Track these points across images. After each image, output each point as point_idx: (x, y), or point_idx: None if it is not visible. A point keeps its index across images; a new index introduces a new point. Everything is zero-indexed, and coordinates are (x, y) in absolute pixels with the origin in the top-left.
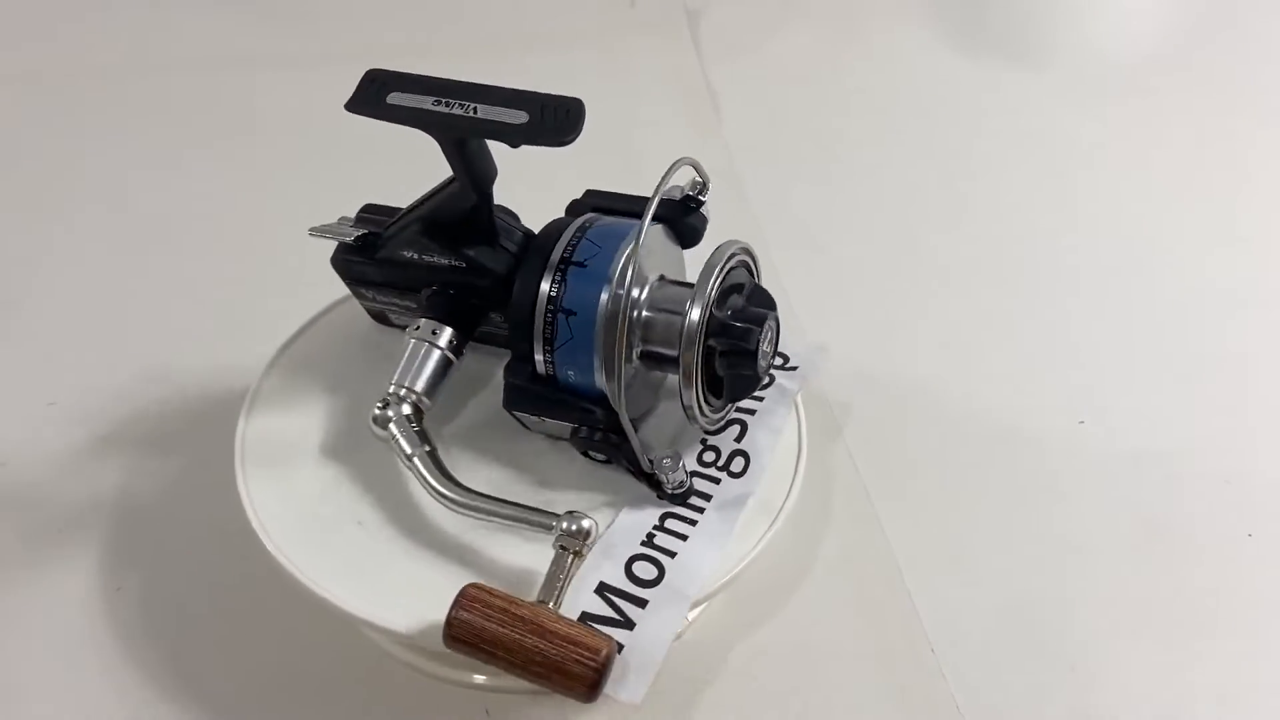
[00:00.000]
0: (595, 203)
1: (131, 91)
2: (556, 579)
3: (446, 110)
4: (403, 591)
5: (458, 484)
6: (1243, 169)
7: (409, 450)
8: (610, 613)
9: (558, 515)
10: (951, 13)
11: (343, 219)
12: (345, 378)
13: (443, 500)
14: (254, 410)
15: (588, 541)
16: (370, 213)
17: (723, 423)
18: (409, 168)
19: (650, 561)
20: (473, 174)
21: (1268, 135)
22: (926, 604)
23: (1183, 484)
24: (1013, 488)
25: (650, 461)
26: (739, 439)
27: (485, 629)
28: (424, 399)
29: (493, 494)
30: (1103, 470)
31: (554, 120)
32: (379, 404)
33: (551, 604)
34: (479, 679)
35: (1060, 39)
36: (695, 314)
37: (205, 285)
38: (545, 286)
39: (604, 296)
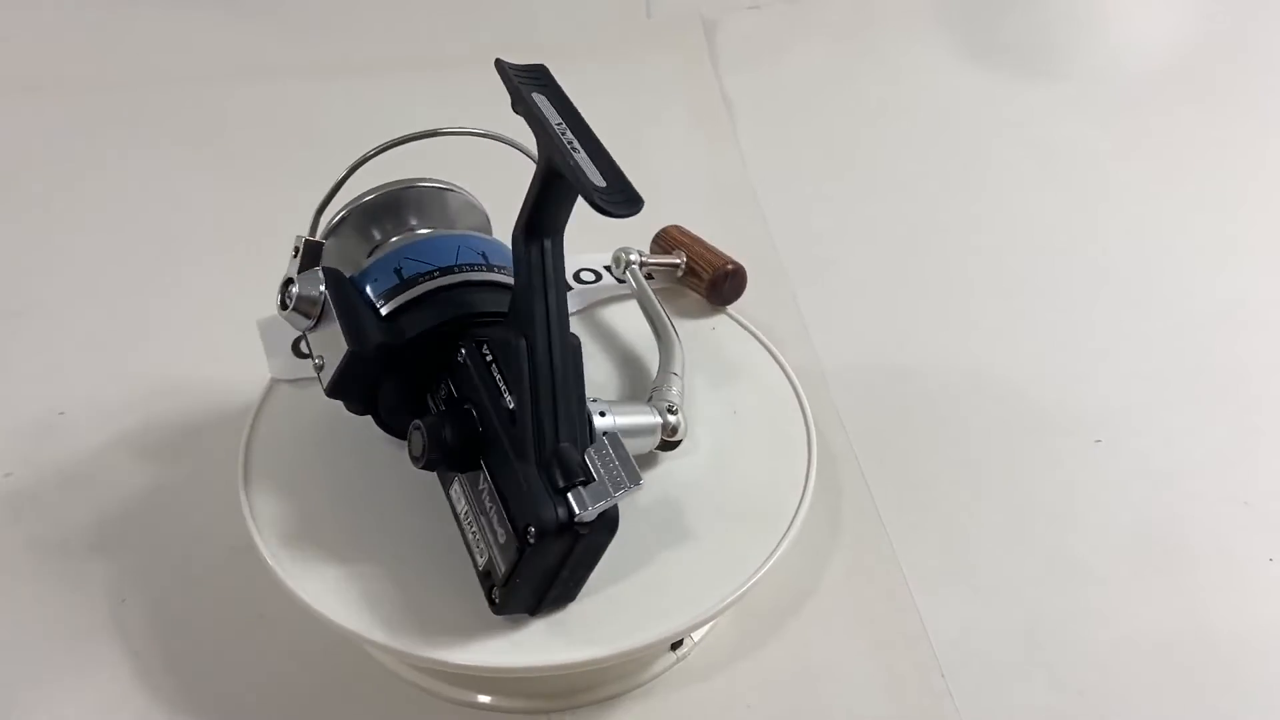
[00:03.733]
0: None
1: (143, 102)
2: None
3: (560, 139)
4: (408, 609)
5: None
6: (1262, 182)
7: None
8: None
9: None
10: (966, 25)
11: None
12: None
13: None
14: (258, 424)
15: None
16: None
17: None
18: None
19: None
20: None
21: None
22: (936, 625)
23: (1201, 505)
24: (1026, 506)
25: None
26: None
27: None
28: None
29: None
30: (1119, 490)
31: (620, 194)
32: None
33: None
34: (484, 699)
35: (1076, 51)
36: None
37: (215, 296)
38: None
39: None
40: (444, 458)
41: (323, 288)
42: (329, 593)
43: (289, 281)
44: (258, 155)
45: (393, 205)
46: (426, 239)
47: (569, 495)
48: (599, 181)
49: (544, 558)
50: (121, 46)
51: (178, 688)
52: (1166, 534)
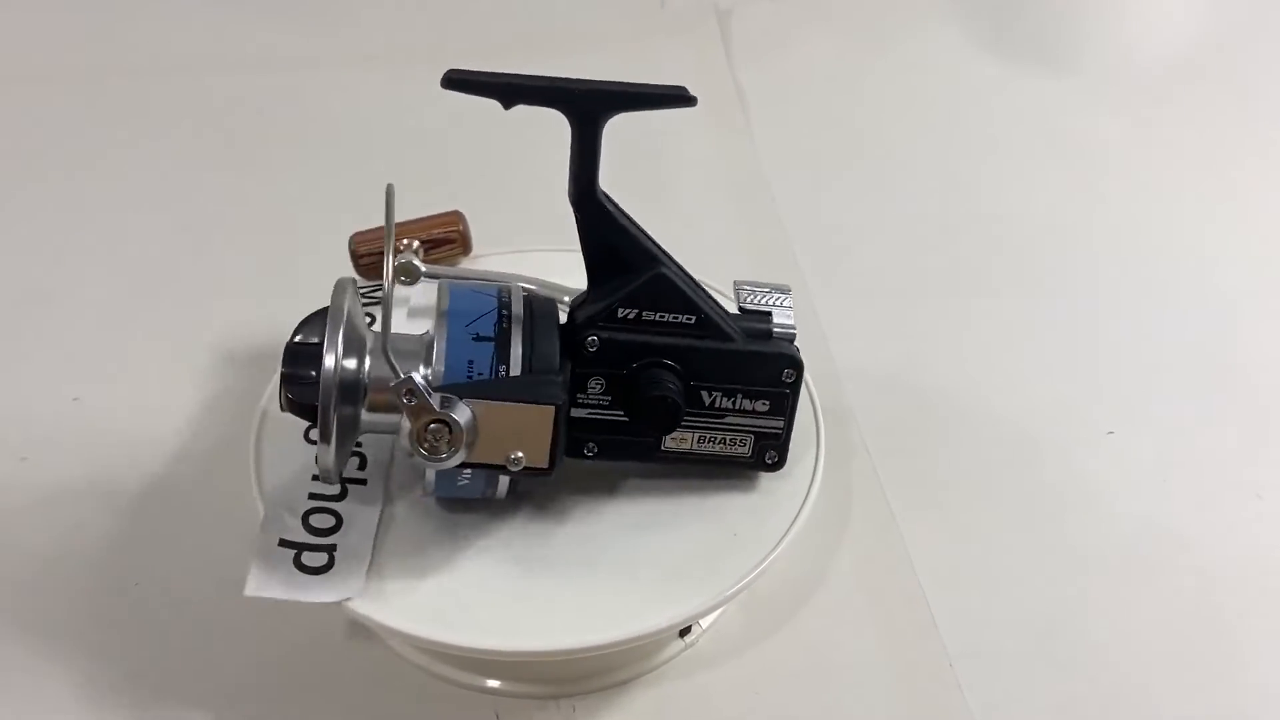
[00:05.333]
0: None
1: (163, 91)
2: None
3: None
4: (413, 593)
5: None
6: (1274, 174)
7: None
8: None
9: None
10: (981, 16)
11: None
12: None
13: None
14: (269, 412)
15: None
16: None
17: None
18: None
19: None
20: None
21: None
22: (945, 615)
23: (1213, 498)
24: (1038, 498)
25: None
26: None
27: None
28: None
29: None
30: (1131, 482)
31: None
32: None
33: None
34: (492, 683)
35: (1089, 43)
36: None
37: (232, 285)
38: None
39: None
40: (682, 404)
41: (470, 413)
42: None
43: (433, 424)
44: (273, 144)
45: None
46: (459, 305)
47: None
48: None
49: (799, 387)
50: (143, 34)
51: (188, 672)
52: (1178, 526)
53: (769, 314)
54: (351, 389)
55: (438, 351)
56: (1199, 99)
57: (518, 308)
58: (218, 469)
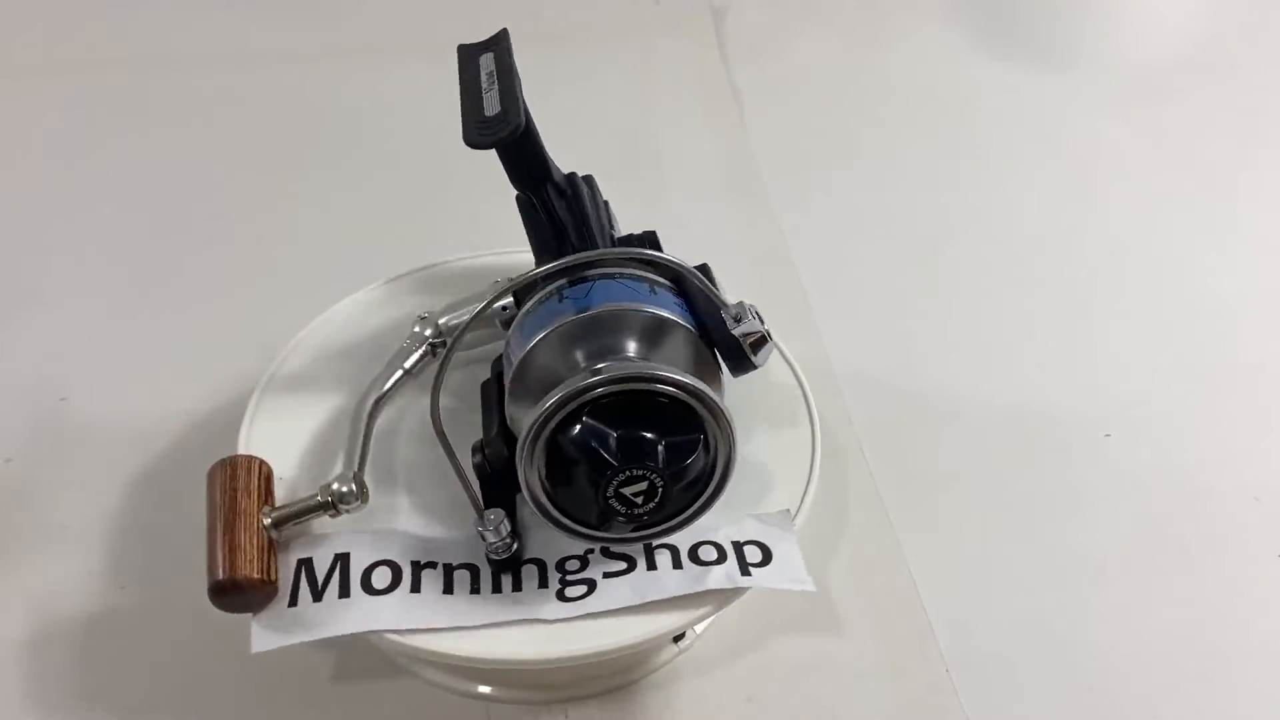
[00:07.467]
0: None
1: (149, 86)
2: (291, 509)
3: (480, 84)
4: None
5: (375, 404)
6: (1275, 175)
7: (391, 355)
8: (320, 577)
9: (355, 474)
10: (977, 14)
11: None
12: (355, 376)
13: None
14: (260, 409)
15: (340, 505)
16: None
17: (610, 547)
18: (433, 167)
19: (393, 576)
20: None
21: None
22: (942, 619)
23: (1211, 501)
24: (1034, 501)
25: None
26: (610, 574)
27: (213, 488)
28: (448, 335)
29: (368, 436)
30: (1128, 485)
31: (494, 126)
32: (422, 315)
33: (269, 521)
34: (483, 689)
35: (1086, 42)
36: (555, 396)
37: (219, 282)
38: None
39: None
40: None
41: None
42: None
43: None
44: (264, 140)
45: None
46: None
47: None
48: (488, 112)
49: None
50: (128, 29)
51: (177, 673)
52: (1175, 529)
53: None
54: None
55: None
56: (1197, 99)
57: None
58: (206, 470)
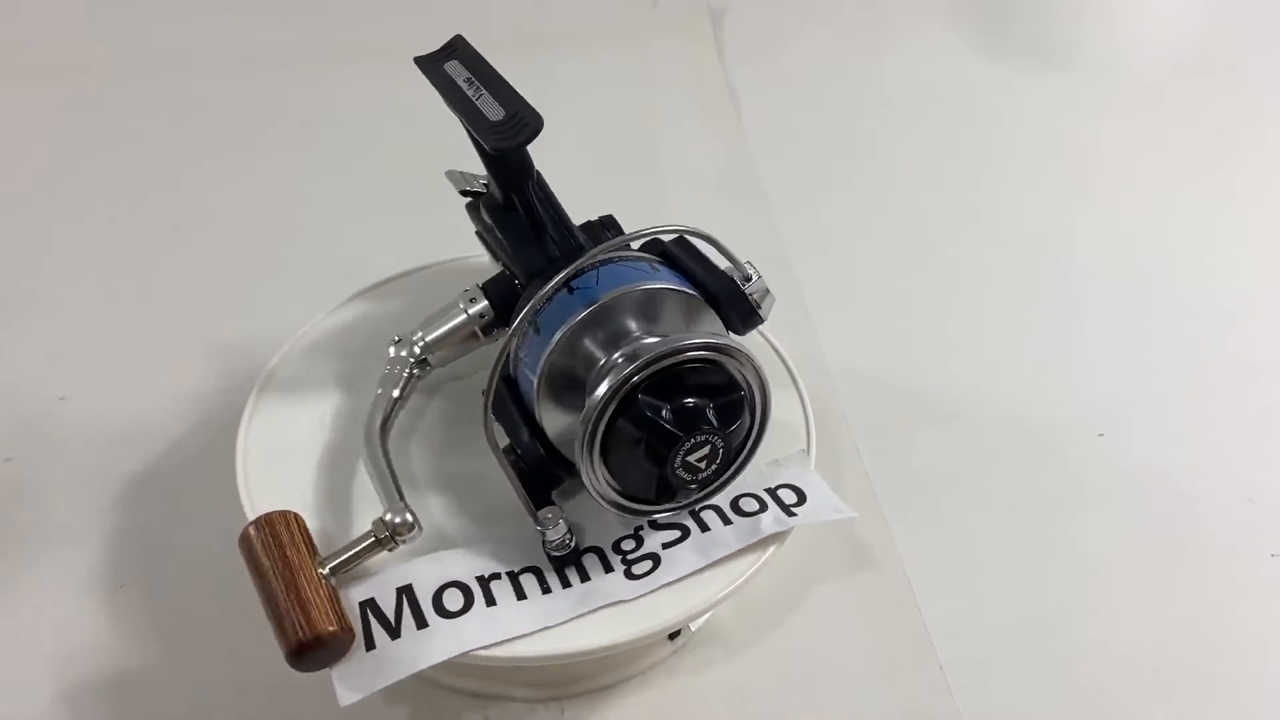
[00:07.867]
0: (675, 252)
1: (148, 88)
2: (349, 552)
3: (464, 92)
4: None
5: (382, 435)
6: (1270, 175)
7: (380, 387)
8: (390, 614)
9: (400, 503)
10: (975, 17)
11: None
12: (351, 378)
13: (363, 439)
14: (258, 408)
15: (398, 537)
16: None
17: (658, 519)
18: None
19: (464, 595)
20: (491, 169)
21: None
22: (936, 618)
23: (1204, 500)
24: (1028, 501)
25: (535, 510)
26: (669, 544)
27: (256, 552)
28: (430, 353)
29: (391, 465)
30: (1122, 485)
31: (516, 126)
32: (396, 338)
33: (326, 570)
34: (482, 689)
35: (1084, 43)
36: (603, 388)
37: (217, 283)
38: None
39: (563, 328)
40: None
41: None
42: None
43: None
44: (263, 142)
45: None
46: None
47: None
48: (494, 116)
49: None
50: (126, 32)
51: (174, 672)
52: (1169, 529)
53: None
54: None
55: None
56: (1196, 99)
57: None
58: (204, 469)
